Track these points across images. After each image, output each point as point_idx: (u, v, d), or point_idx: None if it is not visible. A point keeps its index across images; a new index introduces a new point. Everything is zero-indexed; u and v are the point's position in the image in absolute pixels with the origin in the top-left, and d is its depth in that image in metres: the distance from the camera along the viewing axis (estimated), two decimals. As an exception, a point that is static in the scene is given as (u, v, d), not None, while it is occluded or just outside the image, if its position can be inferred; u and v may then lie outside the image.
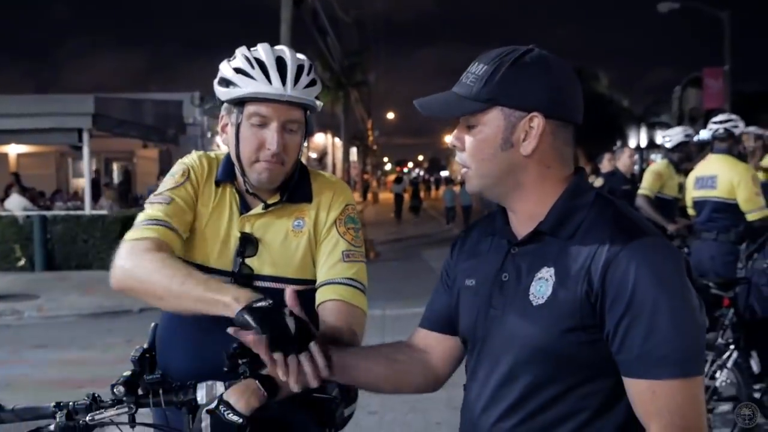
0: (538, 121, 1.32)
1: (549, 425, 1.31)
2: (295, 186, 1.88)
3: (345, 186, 1.97)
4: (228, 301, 1.49)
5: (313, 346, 1.39)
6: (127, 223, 1.87)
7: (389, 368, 1.58)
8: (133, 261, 1.68)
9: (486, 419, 1.39)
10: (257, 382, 1.55)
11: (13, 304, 9.40)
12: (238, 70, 1.76)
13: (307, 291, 1.82)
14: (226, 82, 1.79)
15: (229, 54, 1.84)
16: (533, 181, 1.37)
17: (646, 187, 6.49)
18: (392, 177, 42.67)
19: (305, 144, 1.90)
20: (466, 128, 1.39)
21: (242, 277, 1.80)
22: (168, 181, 1.87)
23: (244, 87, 1.74)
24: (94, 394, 1.66)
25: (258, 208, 1.86)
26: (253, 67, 1.75)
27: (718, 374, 4.11)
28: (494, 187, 1.39)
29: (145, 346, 1.87)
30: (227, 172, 1.88)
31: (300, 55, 1.83)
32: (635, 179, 7.33)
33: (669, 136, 6.61)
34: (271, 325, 1.38)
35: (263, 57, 1.76)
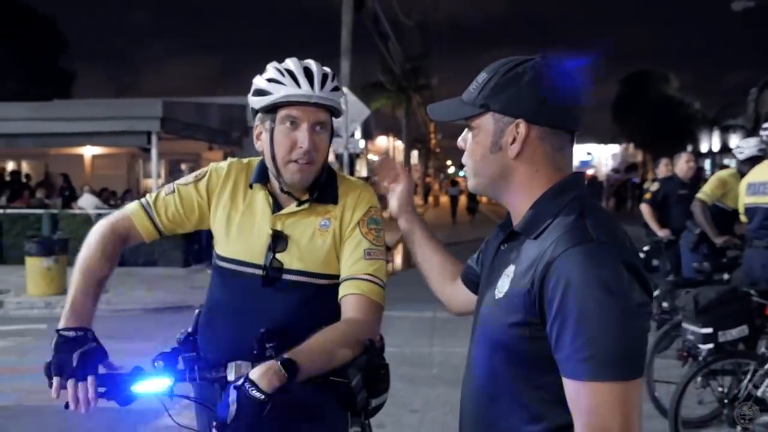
0: (522, 127, 1.40)
1: (507, 411, 1.39)
2: (323, 187, 2.04)
3: (369, 189, 2.11)
4: (61, 318, 1.81)
5: (89, 380, 1.70)
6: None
7: (445, 276, 1.91)
8: (87, 246, 2.03)
9: (468, 395, 1.52)
10: (279, 363, 1.69)
11: (84, 298, 9.88)
12: (270, 80, 1.95)
13: (331, 285, 1.99)
14: (259, 92, 1.97)
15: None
16: (521, 183, 1.45)
17: (705, 192, 6.23)
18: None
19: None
20: (467, 132, 1.51)
21: (273, 270, 1.98)
22: (184, 178, 2.14)
23: (276, 93, 1.93)
24: (138, 366, 1.84)
25: (290, 207, 2.02)
26: (283, 75, 1.93)
27: (762, 384, 4.06)
28: (488, 186, 1.50)
29: (189, 329, 2.09)
30: (260, 176, 2.06)
31: (325, 67, 2.00)
32: (696, 184, 7.17)
33: (742, 148, 6.19)
34: (59, 351, 1.71)
35: (292, 67, 1.95)
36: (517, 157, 1.42)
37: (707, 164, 42.87)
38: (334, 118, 2.03)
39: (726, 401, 4.02)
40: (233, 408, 1.63)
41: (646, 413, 4.75)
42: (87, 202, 13.98)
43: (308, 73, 1.94)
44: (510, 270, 1.40)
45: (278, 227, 2.01)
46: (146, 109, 13.19)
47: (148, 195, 2.14)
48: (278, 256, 1.99)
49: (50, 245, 10.27)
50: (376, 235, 2.03)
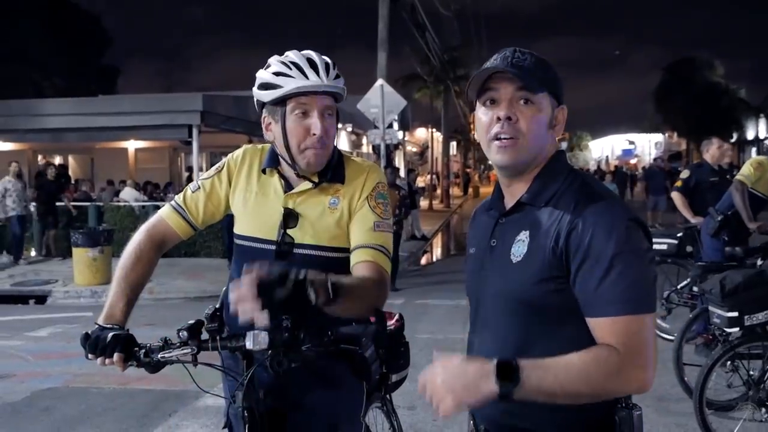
0: (565, 111, 1.64)
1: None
2: (334, 167, 2.17)
3: (376, 168, 2.25)
4: (100, 316, 2.05)
5: (116, 356, 1.92)
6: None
7: None
8: (125, 253, 2.20)
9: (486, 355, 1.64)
10: (329, 280, 1.69)
11: (128, 287, 10.19)
12: (277, 74, 2.06)
13: (342, 258, 2.12)
14: (266, 86, 2.08)
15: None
16: (545, 159, 1.63)
17: (745, 174, 6.10)
18: (495, 172, 42.16)
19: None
20: (522, 104, 1.56)
21: (285, 245, 2.12)
22: (207, 172, 2.29)
23: (287, 85, 2.04)
24: (165, 337, 1.98)
25: (301, 186, 2.15)
26: (290, 68, 2.04)
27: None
28: (531, 161, 1.60)
29: (217, 305, 2.21)
30: (272, 161, 2.19)
31: (325, 57, 2.11)
32: (728, 171, 7.10)
33: None
34: (94, 338, 1.95)
35: (296, 59, 2.06)
36: (557, 138, 1.64)
37: (753, 152, 41.88)
38: (338, 105, 2.14)
39: (752, 384, 4.03)
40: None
41: (676, 396, 4.78)
42: (128, 195, 14.35)
43: (312, 63, 2.05)
44: (523, 236, 1.56)
45: (290, 205, 2.14)
46: (187, 103, 13.42)
47: (177, 196, 2.30)
48: (289, 231, 2.13)
49: (96, 236, 10.61)
50: (383, 209, 2.16)
